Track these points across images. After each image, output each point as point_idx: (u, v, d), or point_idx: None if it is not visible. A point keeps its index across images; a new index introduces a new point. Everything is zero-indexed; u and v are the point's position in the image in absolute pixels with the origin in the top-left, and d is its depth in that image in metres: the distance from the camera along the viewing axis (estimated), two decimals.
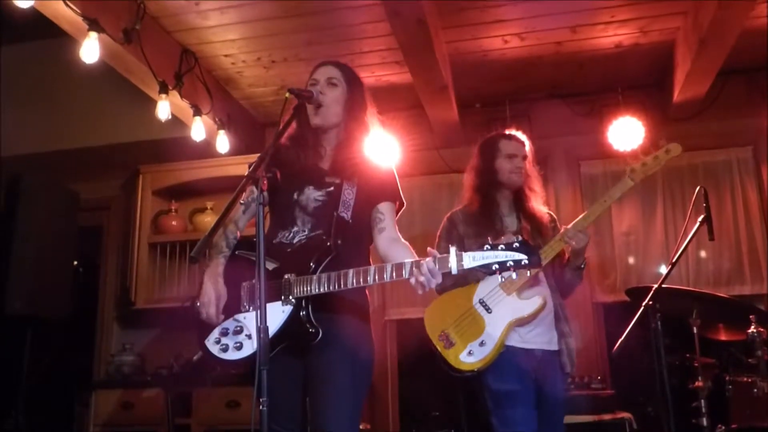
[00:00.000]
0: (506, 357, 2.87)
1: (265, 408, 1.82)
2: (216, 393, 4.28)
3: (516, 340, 2.92)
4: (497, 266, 2.01)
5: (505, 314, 2.90)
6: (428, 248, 2.10)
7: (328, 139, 2.48)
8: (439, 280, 2.05)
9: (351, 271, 2.17)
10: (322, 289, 2.19)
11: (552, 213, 3.26)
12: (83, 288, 5.24)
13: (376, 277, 2.14)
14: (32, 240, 3.61)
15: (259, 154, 2.39)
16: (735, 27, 3.65)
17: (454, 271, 2.03)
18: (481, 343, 2.86)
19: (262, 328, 1.87)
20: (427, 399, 4.96)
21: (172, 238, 4.91)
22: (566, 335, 3.03)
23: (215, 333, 2.32)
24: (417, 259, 2.11)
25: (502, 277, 2.05)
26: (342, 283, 2.17)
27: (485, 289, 2.96)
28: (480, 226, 3.04)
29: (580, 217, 2.97)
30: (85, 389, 4.66)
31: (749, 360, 3.32)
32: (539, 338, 2.96)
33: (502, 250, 2.02)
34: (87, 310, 5.22)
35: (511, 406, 2.85)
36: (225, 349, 2.28)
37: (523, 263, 2.00)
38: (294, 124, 2.41)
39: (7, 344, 3.80)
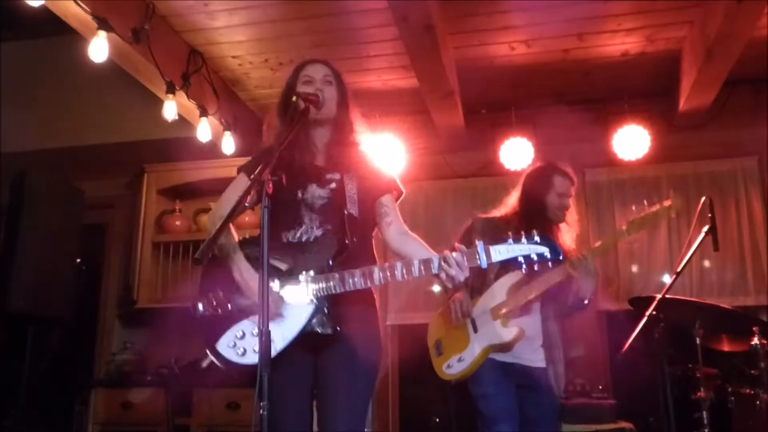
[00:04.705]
0: (486, 365, 3.05)
1: (265, 412, 1.79)
2: (216, 394, 4.28)
3: (498, 355, 3.07)
4: (522, 259, 2.08)
5: (485, 338, 3.06)
6: (455, 243, 2.16)
7: (319, 136, 2.47)
8: (467, 273, 2.08)
9: (376, 268, 2.18)
10: (347, 287, 2.18)
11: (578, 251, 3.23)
12: (85, 286, 5.22)
13: (404, 273, 2.15)
14: (36, 237, 3.60)
15: (252, 157, 2.43)
16: (741, 37, 3.65)
17: (484, 265, 2.08)
18: (460, 359, 3.08)
19: (264, 332, 1.85)
20: (428, 404, 4.94)
21: (175, 237, 4.92)
22: (556, 362, 3.15)
23: (229, 337, 2.24)
24: (437, 254, 2.14)
25: (525, 269, 2.10)
26: (369, 280, 2.17)
27: (479, 309, 3.10)
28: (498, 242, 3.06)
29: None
30: (85, 388, 4.65)
31: (752, 371, 3.30)
32: (520, 355, 3.08)
33: (525, 243, 2.08)
34: (89, 309, 5.21)
35: (489, 407, 3.02)
36: (243, 353, 2.20)
37: (545, 255, 2.07)
38: (281, 127, 2.40)
39: (9, 341, 3.81)
